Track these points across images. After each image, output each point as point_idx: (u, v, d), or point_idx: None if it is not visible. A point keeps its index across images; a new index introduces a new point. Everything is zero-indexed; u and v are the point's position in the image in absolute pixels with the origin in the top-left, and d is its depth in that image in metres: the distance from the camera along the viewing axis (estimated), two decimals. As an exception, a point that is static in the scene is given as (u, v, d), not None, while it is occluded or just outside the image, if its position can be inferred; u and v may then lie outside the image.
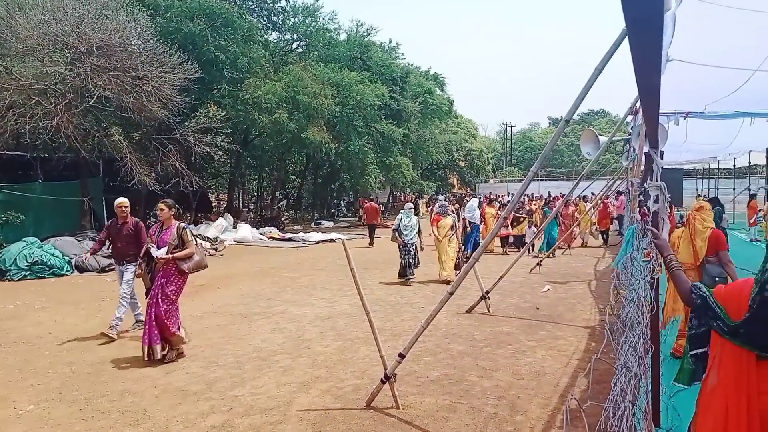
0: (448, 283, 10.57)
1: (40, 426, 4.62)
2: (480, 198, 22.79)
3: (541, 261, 13.26)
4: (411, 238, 11.80)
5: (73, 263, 13.41)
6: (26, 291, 10.94)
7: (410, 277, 11.67)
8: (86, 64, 15.17)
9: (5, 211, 16.48)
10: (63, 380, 5.74)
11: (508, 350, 6.69)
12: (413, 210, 12.45)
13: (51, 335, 7.62)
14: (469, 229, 15.48)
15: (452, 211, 16.57)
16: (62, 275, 12.89)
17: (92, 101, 15.51)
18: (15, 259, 12.50)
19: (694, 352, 2.94)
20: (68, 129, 14.81)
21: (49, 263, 12.87)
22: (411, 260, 11.74)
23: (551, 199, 24.08)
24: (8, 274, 12.30)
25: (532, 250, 15.74)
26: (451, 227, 11.79)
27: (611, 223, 20.74)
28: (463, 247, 12.46)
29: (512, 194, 36.36)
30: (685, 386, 3.15)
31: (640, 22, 1.40)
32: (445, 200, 14.05)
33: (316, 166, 32.92)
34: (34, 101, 14.75)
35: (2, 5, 15.74)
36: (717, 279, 5.74)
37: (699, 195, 20.12)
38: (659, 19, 1.40)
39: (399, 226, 11.88)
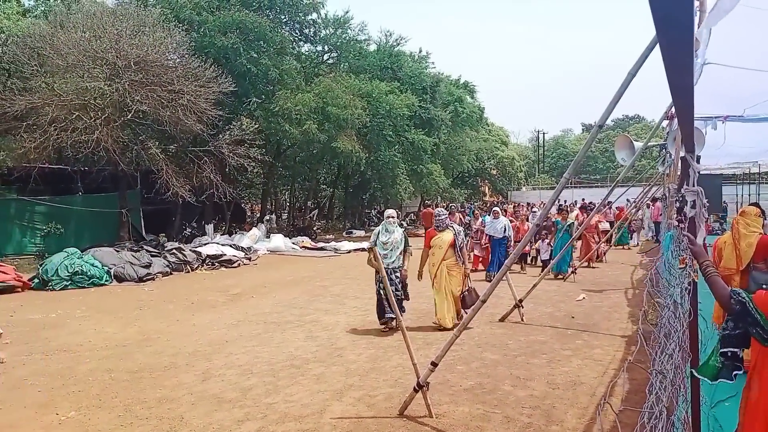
0: (445, 329, 7.94)
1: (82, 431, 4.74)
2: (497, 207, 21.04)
3: (575, 269, 13.05)
4: (393, 261, 8.10)
5: (112, 273, 13.73)
6: (67, 300, 11.25)
7: (389, 316, 7.97)
8: (124, 79, 15.61)
9: (48, 223, 17.04)
10: (103, 387, 5.88)
11: (543, 359, 6.60)
12: (394, 220, 8.45)
13: (91, 343, 7.82)
14: (485, 242, 13.80)
15: (460, 222, 15.21)
16: (101, 285, 13.20)
17: (130, 115, 15.95)
18: (57, 269, 12.85)
19: (725, 350, 2.87)
20: (108, 142, 15.25)
21: (89, 273, 13.20)
22: (396, 293, 7.80)
23: (565, 207, 20.57)
24: (50, 283, 12.66)
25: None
26: (453, 246, 8.20)
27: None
28: (468, 268, 8.60)
29: (543, 203, 35.96)
30: (708, 380, 3.07)
31: (669, 19, 1.38)
32: (449, 208, 11.03)
33: (347, 175, 33.10)
34: (75, 116, 15.24)
35: (45, 24, 16.35)
36: (765, 286, 5.56)
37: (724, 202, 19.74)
38: (689, 16, 1.38)
39: (376, 243, 8.08)
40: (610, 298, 10.70)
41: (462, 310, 8.15)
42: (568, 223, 13.42)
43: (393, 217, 8.41)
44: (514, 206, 26.36)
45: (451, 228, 8.34)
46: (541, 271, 11.84)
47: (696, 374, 3.29)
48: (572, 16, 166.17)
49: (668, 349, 3.70)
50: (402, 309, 7.88)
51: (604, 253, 16.47)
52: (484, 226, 14.33)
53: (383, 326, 8.17)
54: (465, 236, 8.77)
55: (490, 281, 12.10)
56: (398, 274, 8.17)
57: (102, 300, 11.48)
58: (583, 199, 31.80)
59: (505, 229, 13.23)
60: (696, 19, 3.75)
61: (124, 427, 4.82)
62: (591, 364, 6.35)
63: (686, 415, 3.66)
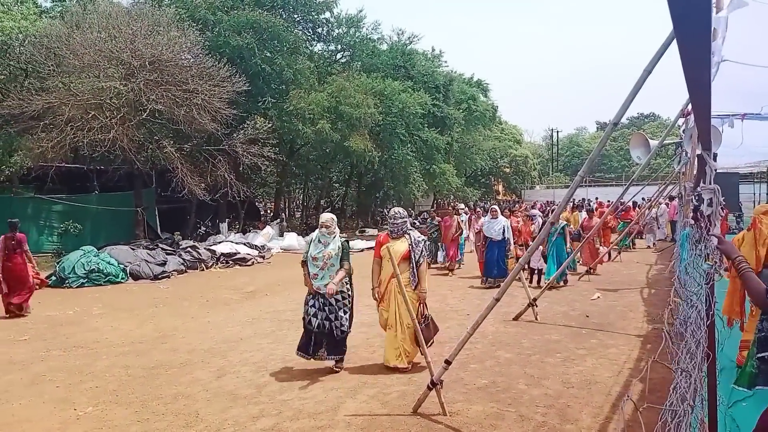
0: (400, 371, 6.07)
1: (99, 427, 4.79)
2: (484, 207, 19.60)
3: (591, 268, 12.95)
4: (327, 283, 6.12)
5: (128, 271, 13.87)
6: (84, 298, 11.39)
7: (311, 355, 6.18)
8: (139, 78, 15.76)
9: (64, 221, 17.26)
10: (119, 383, 5.95)
11: (557, 358, 6.57)
12: (331, 229, 6.30)
13: (107, 340, 7.91)
14: (480, 244, 12.51)
15: (455, 217, 14.73)
16: (117, 282, 13.34)
17: (145, 114, 16.10)
18: (74, 267, 13.01)
19: (762, 355, 2.80)
20: (123, 141, 15.42)
21: (105, 271, 13.34)
22: (327, 324, 6.11)
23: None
24: (67, 281, 12.81)
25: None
26: (407, 259, 6.17)
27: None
28: (424, 291, 6.29)
29: (556, 202, 35.78)
30: (746, 390, 3.00)
31: (687, 14, 1.38)
32: (403, 211, 6.79)
33: (359, 174, 33.17)
34: (91, 115, 15.42)
35: (61, 24, 16.54)
36: None
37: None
38: (707, 11, 1.37)
39: (307, 257, 6.36)
40: (625, 297, 10.61)
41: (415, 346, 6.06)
42: (561, 225, 11.69)
43: (328, 226, 6.27)
44: (519, 206, 24.87)
45: (408, 236, 6.26)
46: (529, 281, 11.41)
47: (736, 388, 3.20)
48: (586, 13, 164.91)
49: (690, 347, 3.67)
50: (342, 335, 6.21)
51: (611, 257, 15.74)
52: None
53: (303, 357, 6.20)
54: (427, 247, 6.54)
55: (489, 287, 11.80)
56: (336, 301, 6.17)
57: (118, 297, 11.60)
58: (575, 199, 31.46)
59: (504, 230, 11.98)
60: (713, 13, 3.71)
61: (141, 422, 4.88)
62: (606, 364, 6.31)
63: (703, 415, 3.64)
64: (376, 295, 6.40)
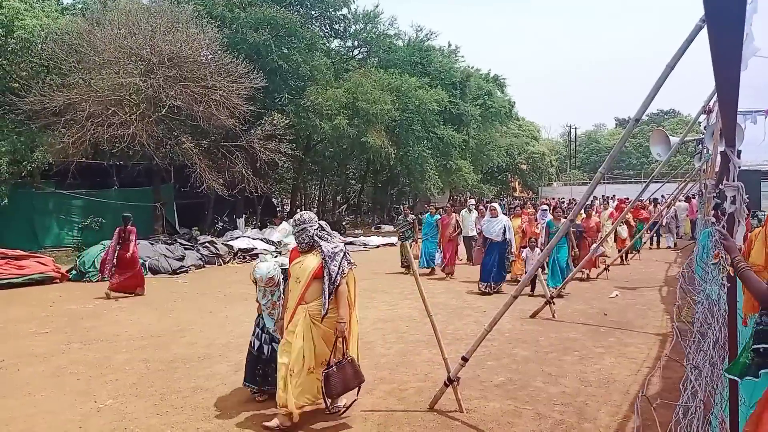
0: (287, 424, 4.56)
1: (119, 419, 4.85)
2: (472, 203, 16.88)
3: (608, 266, 12.84)
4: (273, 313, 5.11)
5: (147, 265, 14.01)
6: (103, 291, 11.52)
7: (262, 390, 5.23)
8: (159, 75, 15.91)
9: (84, 216, 17.50)
10: (139, 376, 6.01)
11: (575, 356, 6.53)
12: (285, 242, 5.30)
13: (127, 333, 8.00)
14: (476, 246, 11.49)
15: (453, 214, 13.10)
16: (137, 277, 13.48)
17: (164, 110, 16.26)
18: (93, 261, 13.17)
19: (758, 346, 2.80)
20: (142, 137, 15.58)
21: (124, 265, 13.49)
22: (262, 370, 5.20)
23: (558, 204, 17.43)
24: (87, 275, 12.98)
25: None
26: (319, 278, 4.61)
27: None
28: (344, 320, 4.63)
29: (574, 199, 35.48)
30: (736, 378, 3.00)
31: (721, 8, 1.35)
32: (305, 217, 4.79)
33: (375, 171, 33.21)
34: (110, 111, 15.61)
35: (82, 21, 16.74)
36: None
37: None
38: (741, 6, 1.34)
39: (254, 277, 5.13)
40: (644, 295, 10.51)
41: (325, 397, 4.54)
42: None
43: (283, 242, 5.30)
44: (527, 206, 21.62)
45: (319, 249, 4.66)
46: (531, 290, 10.36)
47: (727, 374, 3.23)
48: (605, 8, 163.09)
49: (704, 345, 3.63)
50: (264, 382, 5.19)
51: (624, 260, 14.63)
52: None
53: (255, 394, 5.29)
54: (347, 258, 4.76)
55: (487, 293, 10.63)
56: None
57: (137, 292, 11.72)
58: (613, 195, 31.15)
59: (504, 230, 10.93)
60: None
61: (160, 415, 4.93)
62: (624, 362, 6.25)
63: (723, 414, 3.59)
64: (281, 331, 4.81)
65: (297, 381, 4.51)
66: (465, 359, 4.91)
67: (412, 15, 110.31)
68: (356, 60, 29.75)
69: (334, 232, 5.06)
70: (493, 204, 12.00)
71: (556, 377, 5.75)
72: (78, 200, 18.25)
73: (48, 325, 8.53)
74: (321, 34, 26.41)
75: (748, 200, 3.73)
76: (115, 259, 11.06)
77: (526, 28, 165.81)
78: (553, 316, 8.54)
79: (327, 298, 4.55)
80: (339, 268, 4.63)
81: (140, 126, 15.61)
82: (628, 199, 22.62)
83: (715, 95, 5.14)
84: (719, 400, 3.56)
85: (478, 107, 31.72)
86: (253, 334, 5.29)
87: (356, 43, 29.49)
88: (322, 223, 4.85)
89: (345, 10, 27.02)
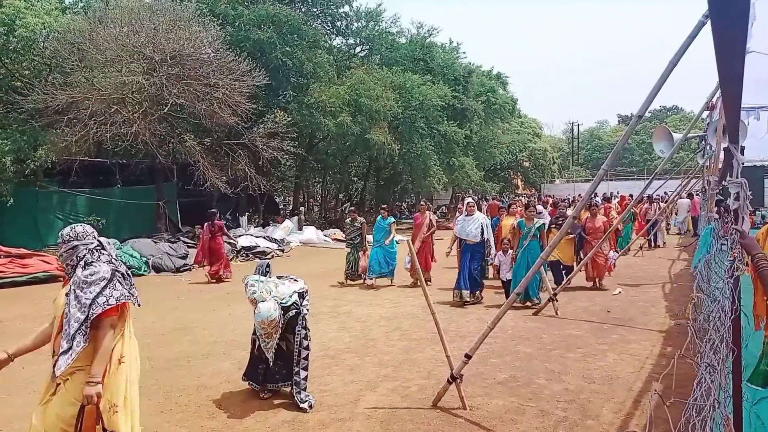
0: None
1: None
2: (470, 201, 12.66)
3: (613, 263, 12.78)
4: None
5: (150, 263, 14.04)
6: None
7: (266, 388, 5.21)
8: (161, 73, 15.89)
9: (87, 215, 17.52)
10: (143, 374, 5.94)
11: (578, 353, 6.53)
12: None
13: (131, 331, 8.01)
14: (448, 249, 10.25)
15: (426, 213, 11.42)
16: (140, 275, 13.50)
17: (167, 109, 16.25)
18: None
19: None
20: (145, 135, 15.58)
21: (128, 263, 13.51)
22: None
23: (531, 202, 15.31)
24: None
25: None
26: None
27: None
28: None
29: (575, 197, 35.38)
30: (759, 388, 2.94)
31: (726, 3, 1.35)
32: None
33: (378, 168, 33.17)
34: (113, 110, 15.59)
35: (84, 20, 16.74)
36: None
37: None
38: (745, 2, 1.34)
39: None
40: (647, 292, 10.50)
41: None
42: (537, 226, 9.33)
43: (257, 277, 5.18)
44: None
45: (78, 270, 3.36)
46: (505, 296, 9.36)
47: (749, 385, 3.16)
48: (608, 3, 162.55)
49: (714, 343, 3.62)
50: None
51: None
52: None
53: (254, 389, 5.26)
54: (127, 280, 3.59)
55: (460, 304, 9.36)
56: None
57: (140, 289, 11.52)
58: (618, 191, 31.04)
59: (482, 230, 9.50)
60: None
61: (164, 413, 4.94)
62: (627, 359, 6.25)
63: (727, 412, 3.58)
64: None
65: None
66: (468, 356, 4.92)
67: (412, 12, 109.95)
68: (358, 57, 29.71)
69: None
70: (468, 200, 10.68)
71: (560, 374, 5.76)
72: (81, 198, 18.27)
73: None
74: (323, 31, 26.36)
75: (751, 197, 3.73)
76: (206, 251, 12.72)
77: (528, 24, 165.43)
78: (556, 313, 8.55)
79: (73, 344, 3.16)
80: (92, 301, 3.21)
81: (143, 124, 15.60)
82: (631, 195, 22.51)
83: (718, 91, 5.13)
84: (723, 397, 3.55)
85: (481, 104, 31.67)
86: (253, 333, 5.27)
87: (358, 40, 29.45)
88: (104, 240, 3.60)
89: (347, 8, 26.96)
